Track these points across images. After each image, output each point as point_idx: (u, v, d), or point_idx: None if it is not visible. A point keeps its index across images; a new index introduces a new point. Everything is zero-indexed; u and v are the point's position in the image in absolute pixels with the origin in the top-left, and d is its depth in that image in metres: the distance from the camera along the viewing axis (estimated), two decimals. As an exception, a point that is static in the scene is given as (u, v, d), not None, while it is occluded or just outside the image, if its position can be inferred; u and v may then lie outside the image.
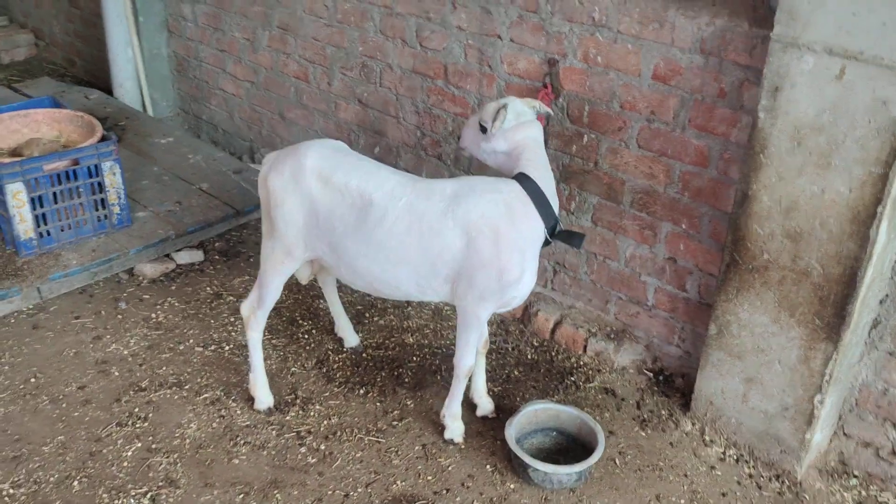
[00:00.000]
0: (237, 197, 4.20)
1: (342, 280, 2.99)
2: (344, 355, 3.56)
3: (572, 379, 3.48)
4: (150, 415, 3.16)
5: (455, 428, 3.06)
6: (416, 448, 3.06)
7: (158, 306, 3.83)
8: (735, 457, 3.09)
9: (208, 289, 3.99)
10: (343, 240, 2.78)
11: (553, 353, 3.64)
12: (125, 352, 3.51)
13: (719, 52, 2.92)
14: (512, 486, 2.90)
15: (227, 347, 3.57)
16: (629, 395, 3.40)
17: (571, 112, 3.45)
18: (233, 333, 3.66)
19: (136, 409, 3.17)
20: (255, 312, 3.09)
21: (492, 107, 2.93)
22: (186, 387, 3.32)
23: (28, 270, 3.56)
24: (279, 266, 2.97)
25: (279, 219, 2.86)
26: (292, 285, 4.00)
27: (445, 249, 2.69)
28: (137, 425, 3.10)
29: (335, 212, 2.78)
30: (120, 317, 3.73)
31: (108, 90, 5.53)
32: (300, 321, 3.76)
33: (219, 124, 5.50)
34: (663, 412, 3.30)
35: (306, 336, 3.68)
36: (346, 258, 2.81)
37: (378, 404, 3.27)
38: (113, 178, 3.72)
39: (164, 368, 3.42)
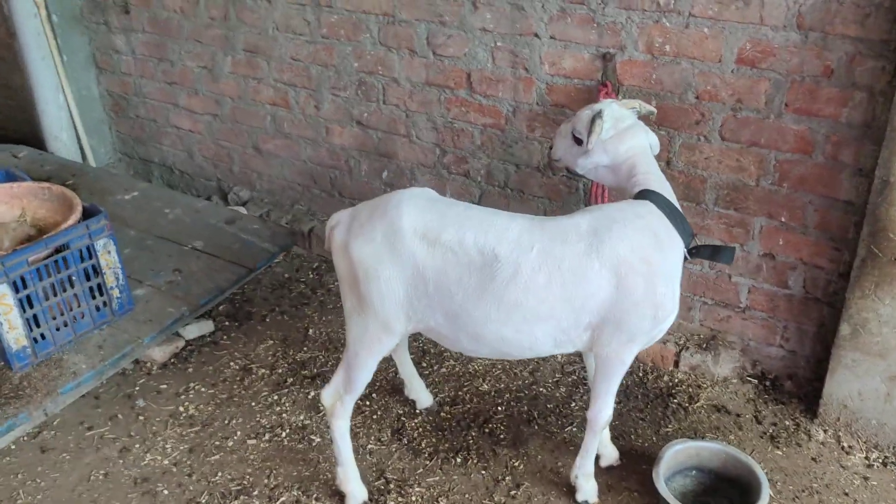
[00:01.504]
0: (242, 252, 3.65)
1: (458, 350, 2.53)
2: (420, 419, 3.12)
3: (675, 401, 3.16)
4: (227, 537, 2.64)
5: (589, 488, 2.69)
6: (549, 518, 2.67)
7: (183, 396, 3.26)
8: (881, 461, 2.86)
9: (232, 364, 3.45)
10: (465, 306, 2.32)
11: (642, 375, 3.31)
12: (165, 462, 2.95)
13: (822, 25, 2.63)
14: (672, 545, 2.55)
15: (283, 434, 3.06)
16: (743, 410, 3.11)
17: (634, 109, 3.09)
18: (283, 415, 3.15)
19: (208, 534, 2.65)
20: (343, 398, 2.60)
21: (585, 115, 2.55)
22: (255, 493, 2.80)
23: (29, 387, 2.92)
24: (376, 346, 2.48)
25: (373, 293, 2.37)
26: (326, 341, 3.52)
27: (592, 296, 2.28)
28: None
29: (450, 276, 2.30)
30: (142, 418, 3.15)
31: (38, 144, 4.78)
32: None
33: (175, 166, 4.86)
34: (788, 423, 3.03)
35: (367, 402, 3.20)
36: (472, 326, 2.35)
37: (483, 472, 2.86)
38: (109, 257, 3.11)
39: (220, 474, 2.88)
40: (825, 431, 2.97)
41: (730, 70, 2.85)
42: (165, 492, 2.82)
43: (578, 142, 2.58)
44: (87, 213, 3.11)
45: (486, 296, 2.28)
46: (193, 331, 3.56)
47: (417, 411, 3.15)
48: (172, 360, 3.46)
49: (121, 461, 2.95)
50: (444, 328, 2.40)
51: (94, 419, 3.14)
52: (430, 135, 3.71)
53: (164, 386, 3.32)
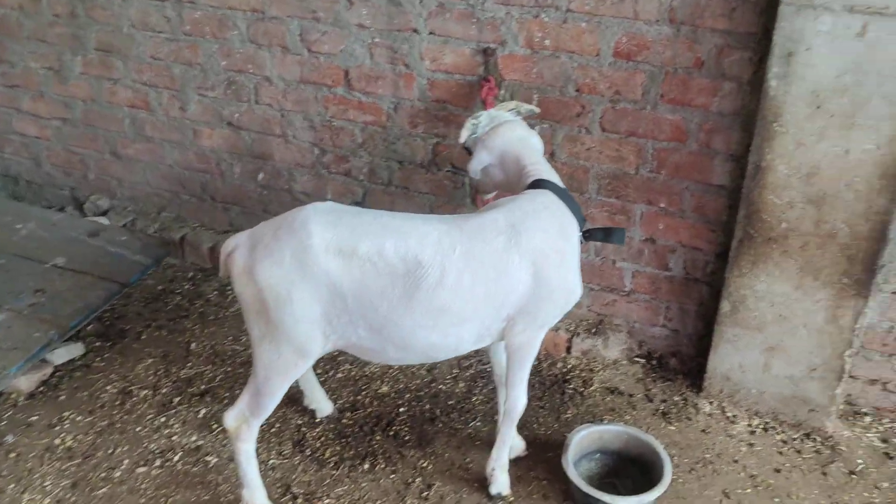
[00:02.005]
0: (111, 266, 3.40)
1: (383, 361, 2.45)
2: (321, 428, 3.03)
3: (571, 387, 3.25)
4: (126, 577, 2.46)
5: (504, 480, 2.71)
6: (462, 516, 2.67)
7: (57, 427, 3.01)
8: (762, 426, 3.05)
9: (109, 388, 3.22)
10: (391, 317, 2.24)
11: (537, 363, 3.37)
12: (46, 501, 2.71)
13: (693, 19, 2.75)
14: (586, 528, 2.62)
15: (175, 458, 2.89)
16: (634, 389, 3.24)
17: (517, 103, 3.13)
18: (173, 437, 2.97)
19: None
20: (249, 421, 2.46)
21: (465, 123, 2.60)
22: (151, 524, 2.63)
23: None
24: (291, 371, 2.36)
25: (285, 317, 2.24)
26: (211, 355, 3.36)
27: (513, 290, 2.30)
28: None
29: (371, 288, 2.22)
30: (13, 455, 2.88)
31: None
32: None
33: (20, 175, 4.47)
34: (676, 399, 3.18)
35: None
36: (399, 336, 2.28)
37: (392, 476, 2.82)
38: (-39, 283, 2.81)
39: (111, 509, 2.68)
40: (711, 404, 3.14)
41: (607, 63, 2.94)
42: (50, 534, 2.59)
43: (469, 151, 2.60)
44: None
45: (412, 303, 2.23)
46: (62, 355, 3.29)
47: (318, 420, 3.06)
48: (41, 389, 3.19)
49: (-7, 507, 2.68)
50: (367, 341, 2.32)
51: (-43, 464, 2.84)
52: (308, 134, 3.59)
53: (35, 418, 3.05)
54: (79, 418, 3.06)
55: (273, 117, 3.62)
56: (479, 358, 3.38)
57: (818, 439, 3.00)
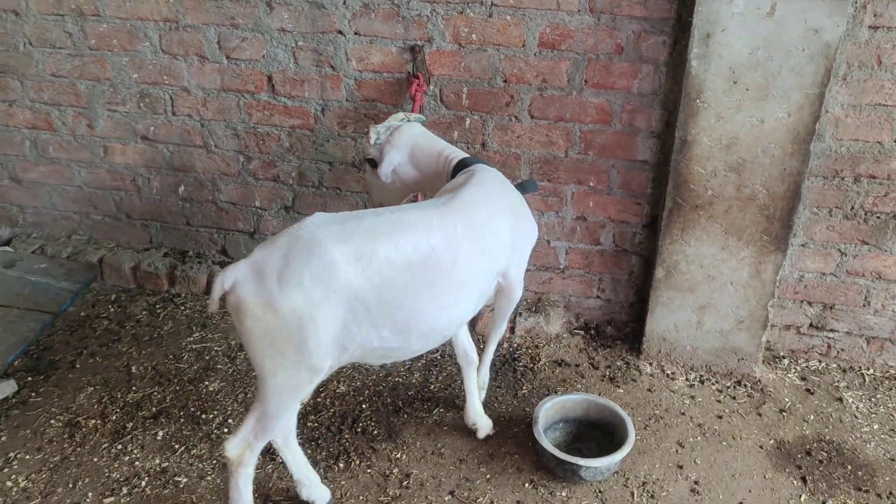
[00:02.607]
0: (37, 296, 3.24)
1: (402, 358, 2.48)
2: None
3: (521, 364, 3.40)
4: None
5: (487, 423, 2.96)
6: (446, 499, 2.76)
7: (6, 469, 2.85)
8: (699, 379, 3.32)
9: (53, 422, 3.08)
10: (417, 306, 2.28)
11: (484, 346, 3.49)
12: (11, 547, 2.58)
13: (611, 8, 2.95)
14: (563, 492, 2.77)
15: (143, 483, 2.81)
16: (579, 360, 3.43)
17: (446, 98, 3.24)
18: (135, 463, 2.88)
19: None
20: (253, 446, 2.39)
21: (365, 138, 2.78)
22: (133, 554, 2.56)
23: None
24: (304, 388, 2.30)
25: (309, 340, 2.16)
26: (154, 376, 3.28)
27: (503, 247, 2.52)
28: None
29: (394, 286, 2.22)
30: (-37, 504, 2.71)
31: None
32: (201, 414, 3.09)
33: None
34: (619, 363, 3.39)
35: (225, 429, 3.04)
36: (425, 323, 2.33)
37: (370, 471, 2.87)
38: None
39: (85, 544, 2.59)
40: (651, 364, 3.37)
41: (533, 53, 3.09)
42: (25, 580, 2.47)
43: (373, 164, 2.74)
44: None
45: (435, 288, 2.30)
46: (-6, 395, 3.11)
47: (282, 427, 3.05)
48: (-24, 433, 3.01)
49: (-47, 560, 2.53)
50: (390, 341, 2.32)
51: None
52: (231, 142, 3.55)
53: (-23, 463, 2.88)
54: (27, 457, 2.91)
55: (193, 128, 3.55)
56: (432, 350, 3.46)
57: (748, 385, 3.29)
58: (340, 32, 3.20)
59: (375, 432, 3.04)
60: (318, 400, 3.18)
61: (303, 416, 3.10)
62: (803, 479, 2.84)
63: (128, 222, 3.88)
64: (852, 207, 3.09)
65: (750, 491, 2.79)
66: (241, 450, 2.38)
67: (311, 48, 3.25)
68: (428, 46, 3.15)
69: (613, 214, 3.34)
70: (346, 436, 3.02)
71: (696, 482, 2.82)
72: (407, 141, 2.72)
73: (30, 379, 3.28)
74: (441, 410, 3.14)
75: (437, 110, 3.26)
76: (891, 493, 2.79)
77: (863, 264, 3.20)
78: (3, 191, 3.95)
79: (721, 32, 2.67)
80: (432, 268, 2.28)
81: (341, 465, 2.89)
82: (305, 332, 2.14)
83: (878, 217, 3.09)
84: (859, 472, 2.88)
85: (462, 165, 2.63)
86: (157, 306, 3.76)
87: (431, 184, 2.75)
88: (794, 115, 2.74)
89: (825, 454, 2.96)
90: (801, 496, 2.77)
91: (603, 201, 3.32)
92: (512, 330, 3.55)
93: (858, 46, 2.81)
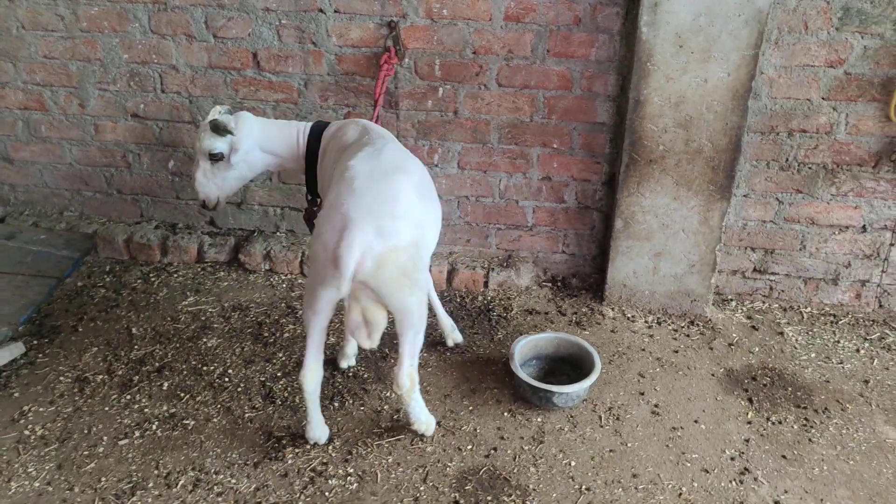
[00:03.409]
0: (40, 264, 3.44)
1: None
2: (284, 381, 3.28)
3: (495, 314, 3.70)
4: (144, 531, 2.63)
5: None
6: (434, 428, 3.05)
7: (22, 421, 3.06)
8: (656, 321, 3.66)
9: (62, 378, 3.29)
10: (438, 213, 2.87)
11: (460, 300, 3.80)
12: (36, 484, 2.79)
13: (569, -17, 3.26)
14: (539, 418, 3.08)
15: (154, 426, 3.04)
16: (548, 308, 3.74)
17: (420, 69, 3.53)
18: (145, 410, 3.11)
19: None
20: (415, 366, 2.75)
21: (203, 135, 2.96)
22: (150, 485, 2.79)
23: None
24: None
25: (425, 257, 2.64)
26: (156, 336, 3.51)
27: None
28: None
29: (434, 197, 2.84)
30: (-14, 451, 2.92)
31: None
32: (202, 367, 3.33)
33: None
34: (584, 310, 3.72)
35: (226, 378, 3.29)
36: (438, 226, 2.88)
37: (363, 409, 3.13)
38: (-89, 287, 2.81)
39: (104, 479, 2.81)
40: (612, 309, 3.71)
41: (499, 26, 3.39)
42: (53, 512, 2.70)
43: (218, 157, 2.97)
44: None
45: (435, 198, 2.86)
46: (4, 356, 3.30)
47: (278, 374, 3.30)
48: (-11, 391, 3.21)
49: (-17, 498, 2.74)
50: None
51: (-74, 468, 2.84)
52: (219, 117, 3.78)
53: (-6, 416, 3.09)
54: (41, 409, 3.12)
55: (182, 104, 3.78)
56: (410, 302, 3.75)
57: (700, 324, 3.64)
58: (321, 10, 3.46)
59: (366, 375, 3.31)
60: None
61: (298, 364, 3.35)
62: (750, 400, 3.19)
63: (119, 197, 4.09)
64: (787, 160, 3.46)
65: (703, 411, 3.13)
66: (411, 377, 2.72)
67: (294, 26, 3.51)
68: (403, 22, 3.43)
69: (576, 174, 3.66)
70: (339, 380, 3.28)
71: (656, 405, 3.15)
72: (253, 128, 2.97)
73: (35, 342, 3.48)
74: (424, 354, 3.42)
75: (412, 81, 3.54)
76: (826, 409, 3.16)
77: (798, 211, 3.57)
78: (-5, 171, 4.12)
79: (667, 1, 3.00)
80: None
81: (336, 404, 3.16)
82: (421, 251, 2.53)
83: (809, 167, 3.46)
84: (798, 393, 3.24)
85: (318, 128, 2.96)
86: (151, 275, 3.98)
87: (283, 160, 3.04)
88: (734, 74, 3.09)
89: (769, 379, 3.32)
90: (748, 413, 3.12)
91: (566, 162, 3.64)
92: (485, 284, 3.85)
93: (787, 13, 3.16)
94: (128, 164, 3.98)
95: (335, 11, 3.45)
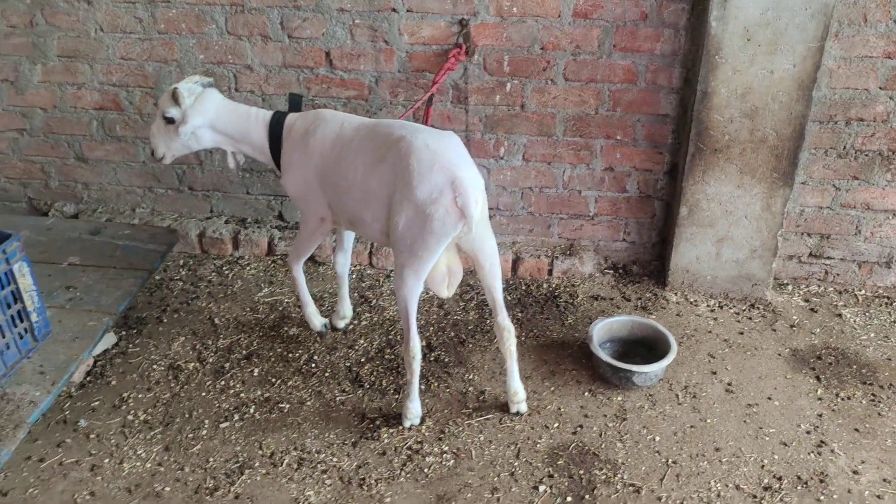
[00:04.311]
0: (129, 257, 3.57)
1: None
2: (369, 365, 3.42)
3: (562, 300, 3.84)
4: (256, 507, 2.77)
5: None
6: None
7: (123, 407, 3.20)
8: (718, 305, 3.80)
9: (156, 367, 3.43)
10: None
11: (525, 288, 3.94)
12: (147, 465, 2.93)
13: (637, -19, 3.40)
14: (619, 397, 3.22)
15: (251, 410, 3.18)
16: (612, 294, 3.89)
17: (489, 65, 3.66)
18: (241, 395, 3.26)
19: (237, 510, 2.75)
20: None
21: (164, 97, 3.09)
22: (256, 464, 2.93)
23: (-12, 427, 2.70)
24: None
25: None
26: (238, 325, 3.64)
27: None
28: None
29: None
30: (94, 436, 3.06)
31: None
32: (288, 354, 3.47)
33: (-34, 194, 4.42)
34: (649, 295, 3.86)
35: (312, 364, 3.43)
36: None
37: (448, 391, 3.28)
38: (25, 280, 2.93)
39: (212, 460, 2.95)
40: (675, 294, 3.85)
41: (567, 22, 3.53)
42: (167, 489, 2.83)
43: (171, 121, 3.09)
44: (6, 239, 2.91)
45: None
46: (102, 345, 3.45)
47: (362, 360, 3.44)
48: (88, 379, 3.34)
49: (98, 478, 2.87)
50: None
51: (41, 451, 2.98)
52: (291, 114, 3.91)
53: (96, 403, 3.22)
54: (139, 396, 3.26)
55: (254, 102, 3.91)
56: (478, 290, 3.89)
57: (761, 307, 3.78)
58: (394, 10, 3.60)
59: (447, 360, 3.45)
60: (390, 338, 3.58)
61: (380, 351, 3.50)
62: (817, 378, 3.33)
63: (190, 194, 4.22)
64: (844, 147, 3.60)
65: (775, 388, 3.28)
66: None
67: (368, 25, 3.64)
68: (473, 20, 3.57)
69: (638, 164, 3.80)
70: (422, 364, 3.42)
71: (729, 384, 3.29)
72: (211, 108, 3.09)
73: (124, 333, 3.62)
74: (500, 340, 3.56)
75: (480, 77, 3.68)
76: (891, 385, 3.30)
77: (854, 197, 3.71)
78: (69, 169, 4.26)
79: (737, -3, 3.14)
80: None
81: (421, 387, 3.29)
82: None
83: (866, 155, 3.60)
84: (863, 370, 3.39)
85: (278, 117, 3.08)
86: (224, 268, 4.12)
87: (236, 142, 3.17)
88: (799, 65, 3.23)
89: (833, 358, 3.46)
90: (817, 390, 3.27)
91: (629, 152, 3.78)
92: (549, 272, 3.99)
93: (848, 6, 3.30)
94: (200, 161, 4.12)
95: (408, 11, 3.59)
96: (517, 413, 3.12)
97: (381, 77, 3.76)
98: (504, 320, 2.99)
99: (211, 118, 3.10)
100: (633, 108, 3.67)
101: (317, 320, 3.53)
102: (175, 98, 3.03)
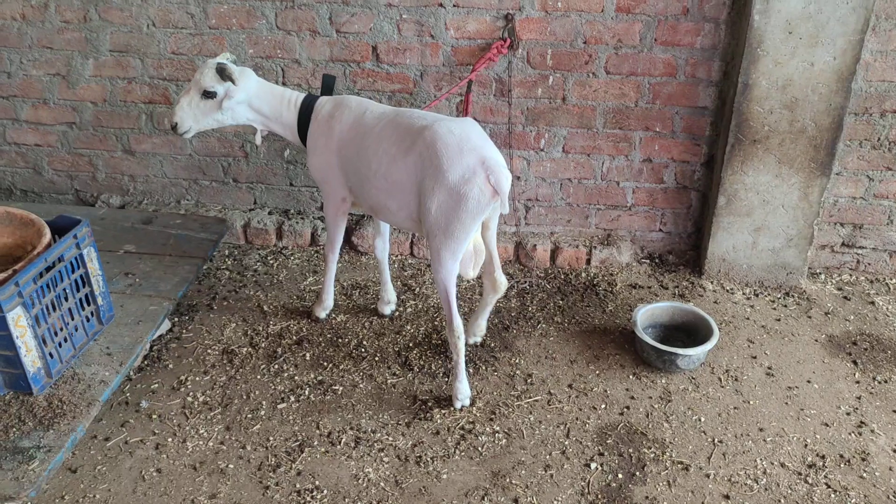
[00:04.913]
0: (183, 245, 3.68)
1: None
2: (418, 350, 3.52)
3: (601, 288, 3.94)
4: (318, 483, 2.87)
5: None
6: (566, 389, 3.29)
7: (182, 389, 3.31)
8: (754, 293, 3.90)
9: (210, 351, 3.53)
10: None
11: (563, 276, 4.04)
12: (210, 444, 3.04)
13: (679, -24, 3.50)
14: (663, 380, 3.32)
15: (307, 392, 3.29)
16: (650, 283, 3.98)
17: (532, 59, 3.76)
18: (295, 378, 3.36)
19: (295, 485, 2.84)
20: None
21: (208, 72, 3.15)
22: (315, 443, 3.04)
23: (65, 403, 2.80)
24: None
25: None
26: (287, 312, 3.75)
27: None
28: (315, 498, 2.80)
29: None
30: (156, 416, 3.16)
31: None
32: (338, 339, 3.58)
33: (16, 186, 4.53)
34: (685, 283, 3.96)
35: (361, 349, 3.53)
36: None
37: (496, 374, 3.38)
38: (92, 265, 3.04)
39: (272, 438, 3.06)
40: (712, 283, 3.95)
41: (610, 17, 3.63)
42: (231, 466, 2.93)
43: (211, 95, 3.16)
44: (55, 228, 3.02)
45: None
46: (160, 329, 3.54)
47: (410, 344, 3.54)
48: (145, 363, 3.45)
49: (164, 456, 2.98)
50: None
51: (106, 430, 3.09)
52: (336, 108, 4.02)
53: (155, 385, 3.32)
54: (196, 379, 3.37)
55: (301, 96, 4.01)
56: (517, 279, 3.99)
57: (795, 295, 3.88)
58: (441, 5, 3.70)
59: (493, 345, 3.55)
60: (434, 324, 3.69)
61: (427, 336, 3.60)
62: (854, 362, 3.43)
63: (234, 186, 4.33)
64: (878, 139, 3.69)
65: (814, 372, 3.37)
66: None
67: (414, 20, 3.75)
68: (518, 14, 3.67)
69: (676, 155, 3.90)
70: (469, 349, 3.52)
71: (769, 367, 3.39)
72: (251, 86, 3.21)
73: (176, 320, 3.73)
74: (544, 326, 3.67)
75: (524, 70, 3.78)
76: (927, 369, 3.40)
77: (887, 188, 3.80)
78: (116, 162, 4.37)
79: (779, -9, 3.24)
80: None
81: (470, 370, 3.40)
82: None
83: (900, 146, 3.70)
84: (899, 355, 3.48)
85: (310, 100, 3.22)
86: (269, 258, 4.23)
87: (268, 120, 3.29)
88: (839, 58, 3.32)
89: (868, 344, 3.56)
90: (854, 374, 3.36)
91: (667, 144, 3.88)
92: (588, 262, 4.09)
93: (885, 1, 3.40)
94: (245, 153, 4.22)
95: (454, 6, 3.69)
96: (474, 343, 3.47)
97: (426, 71, 3.86)
98: (501, 276, 3.22)
99: (251, 95, 3.20)
100: (673, 100, 3.77)
101: (322, 312, 3.70)
102: (222, 73, 3.10)
